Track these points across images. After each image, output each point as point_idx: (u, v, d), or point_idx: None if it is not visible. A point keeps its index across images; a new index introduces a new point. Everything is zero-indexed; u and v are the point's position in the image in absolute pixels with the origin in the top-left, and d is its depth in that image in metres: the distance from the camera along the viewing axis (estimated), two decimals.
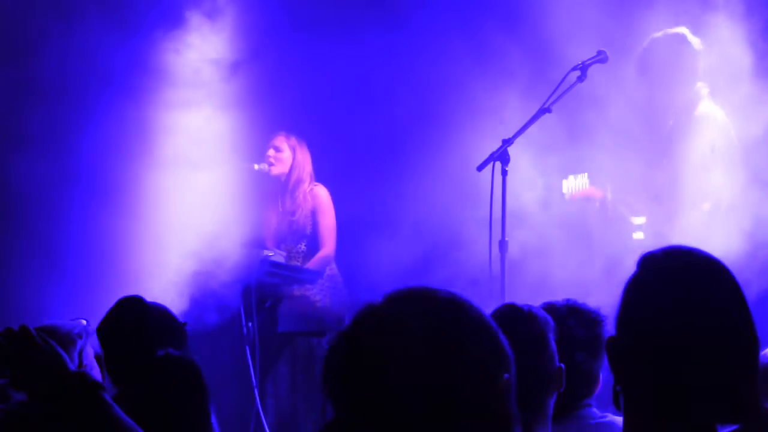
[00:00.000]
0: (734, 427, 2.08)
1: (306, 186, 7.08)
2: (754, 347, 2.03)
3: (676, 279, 2.04)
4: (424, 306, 1.70)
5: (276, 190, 7.14)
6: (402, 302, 1.71)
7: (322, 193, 7.09)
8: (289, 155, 7.07)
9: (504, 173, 5.53)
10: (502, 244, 5.51)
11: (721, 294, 2.03)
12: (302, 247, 7.00)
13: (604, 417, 3.15)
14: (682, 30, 5.95)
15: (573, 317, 3.22)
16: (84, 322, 3.93)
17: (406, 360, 1.63)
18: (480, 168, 5.61)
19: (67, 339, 3.88)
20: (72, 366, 2.56)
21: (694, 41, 5.92)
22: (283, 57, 7.12)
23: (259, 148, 7.18)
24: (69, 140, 6.94)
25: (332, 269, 6.97)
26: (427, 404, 1.62)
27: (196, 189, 6.81)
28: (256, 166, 7.03)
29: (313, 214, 7.03)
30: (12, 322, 2.63)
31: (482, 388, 1.66)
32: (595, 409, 3.20)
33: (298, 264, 6.91)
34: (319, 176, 7.21)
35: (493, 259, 5.50)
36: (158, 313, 3.78)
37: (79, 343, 3.91)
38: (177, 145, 6.89)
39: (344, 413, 1.67)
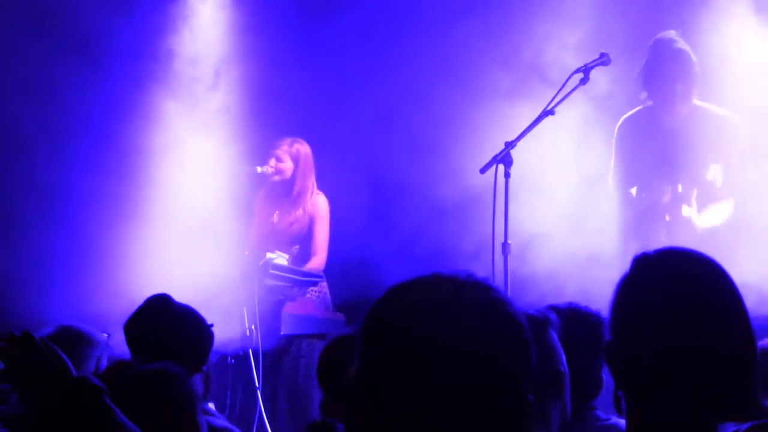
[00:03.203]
0: (736, 426, 2.08)
1: (308, 196, 7.07)
2: (751, 346, 2.03)
3: (669, 280, 2.04)
4: (485, 306, 1.62)
5: (275, 192, 7.14)
6: (459, 290, 1.63)
7: (322, 203, 7.10)
8: (290, 165, 7.06)
9: (507, 175, 5.53)
10: (505, 247, 5.50)
11: (715, 294, 2.03)
12: (294, 251, 7.00)
13: (608, 420, 3.15)
14: (674, 36, 6.05)
15: (574, 320, 3.21)
16: (105, 335, 3.96)
17: (437, 350, 1.57)
18: (483, 170, 5.60)
19: (90, 339, 3.89)
20: (75, 371, 2.56)
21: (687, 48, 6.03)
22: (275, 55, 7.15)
23: (261, 149, 7.19)
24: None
25: (323, 278, 7.00)
26: (448, 402, 1.57)
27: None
28: (258, 169, 7.03)
29: (311, 222, 7.04)
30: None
31: (509, 403, 1.61)
32: (599, 412, 3.20)
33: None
34: (318, 176, 7.21)
35: (497, 261, 5.49)
36: (185, 313, 3.76)
37: (101, 347, 3.92)
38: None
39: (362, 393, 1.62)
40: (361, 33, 6.99)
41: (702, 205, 6.02)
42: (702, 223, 5.97)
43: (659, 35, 6.11)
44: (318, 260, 7.00)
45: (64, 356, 2.53)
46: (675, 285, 2.03)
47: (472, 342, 1.58)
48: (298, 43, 7.28)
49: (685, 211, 5.98)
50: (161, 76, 7.19)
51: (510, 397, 1.60)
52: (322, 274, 6.84)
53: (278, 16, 7.30)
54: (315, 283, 6.78)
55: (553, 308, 3.21)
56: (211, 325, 3.82)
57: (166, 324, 3.69)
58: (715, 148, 5.98)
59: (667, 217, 6.08)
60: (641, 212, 6.07)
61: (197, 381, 3.69)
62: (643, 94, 6.17)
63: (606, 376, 3.16)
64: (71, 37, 6.95)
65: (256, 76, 7.27)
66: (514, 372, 1.61)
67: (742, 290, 2.07)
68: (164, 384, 2.93)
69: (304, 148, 7.10)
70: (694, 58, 6.01)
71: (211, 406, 6.18)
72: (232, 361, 6.55)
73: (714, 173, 6.00)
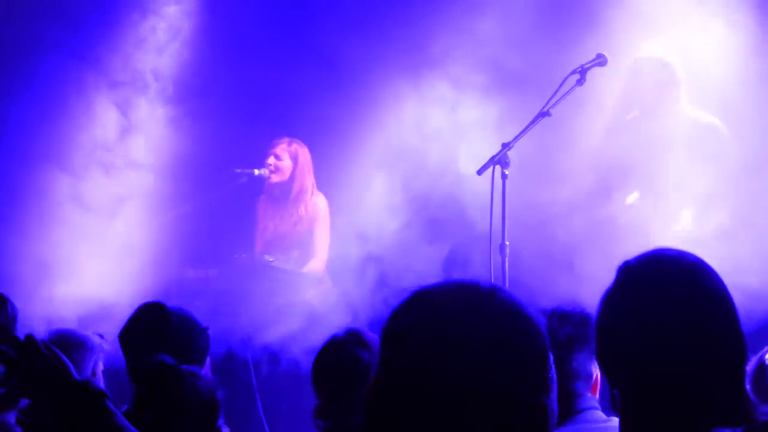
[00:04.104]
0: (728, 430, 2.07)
1: (308, 196, 7.07)
2: (739, 350, 2.03)
3: (650, 288, 2.04)
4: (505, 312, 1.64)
5: (274, 195, 7.14)
6: (479, 302, 1.64)
7: (321, 203, 7.10)
8: (289, 165, 7.07)
9: (504, 177, 5.54)
10: (502, 248, 5.51)
11: (698, 300, 2.02)
12: (295, 254, 7.01)
13: (609, 420, 3.16)
14: (662, 55, 6.15)
15: (560, 320, 3.22)
16: (98, 338, 3.96)
17: (455, 355, 1.58)
18: (480, 172, 5.61)
19: (84, 344, 3.90)
20: (77, 375, 2.57)
21: (676, 65, 6.13)
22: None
23: (256, 152, 7.20)
24: None
25: (326, 279, 6.99)
26: (465, 402, 1.58)
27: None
28: (256, 171, 7.04)
29: (311, 222, 7.04)
30: None
31: (530, 409, 1.62)
32: (600, 413, 3.21)
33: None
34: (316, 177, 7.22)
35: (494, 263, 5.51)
36: (180, 318, 3.74)
37: (96, 351, 3.92)
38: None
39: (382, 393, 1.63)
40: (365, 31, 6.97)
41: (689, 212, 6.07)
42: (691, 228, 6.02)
43: (637, 57, 6.18)
44: (318, 261, 6.99)
45: (67, 360, 2.54)
46: (657, 293, 2.03)
47: (492, 349, 1.59)
48: (273, 44, 7.27)
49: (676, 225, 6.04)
50: (128, 81, 7.22)
51: (530, 404, 1.61)
52: (323, 275, 6.84)
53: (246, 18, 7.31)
54: (315, 285, 6.79)
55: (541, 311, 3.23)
56: (207, 328, 3.81)
57: (162, 330, 3.67)
58: (703, 155, 6.01)
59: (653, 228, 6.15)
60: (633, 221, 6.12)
61: None
62: (630, 115, 6.25)
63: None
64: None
65: (236, 79, 7.27)
66: (535, 378, 1.63)
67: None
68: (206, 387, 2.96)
69: (302, 148, 7.11)
70: (676, 72, 6.11)
71: None
72: (231, 363, 6.55)
73: (700, 180, 6.05)
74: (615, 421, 3.09)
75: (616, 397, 2.07)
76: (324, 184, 7.22)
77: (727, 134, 6.07)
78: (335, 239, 7.05)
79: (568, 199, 6.21)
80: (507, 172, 5.54)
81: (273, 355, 6.69)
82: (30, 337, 2.51)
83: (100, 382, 4.06)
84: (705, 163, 5.98)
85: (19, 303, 3.72)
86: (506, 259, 5.51)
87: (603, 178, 6.18)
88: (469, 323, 1.60)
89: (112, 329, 5.76)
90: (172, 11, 7.34)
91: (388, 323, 1.66)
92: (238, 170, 7.06)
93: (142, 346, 3.65)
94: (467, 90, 6.69)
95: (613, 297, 2.07)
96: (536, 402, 1.62)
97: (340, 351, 3.66)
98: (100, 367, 4.03)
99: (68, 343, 3.94)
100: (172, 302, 3.85)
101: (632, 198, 6.18)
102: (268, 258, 6.65)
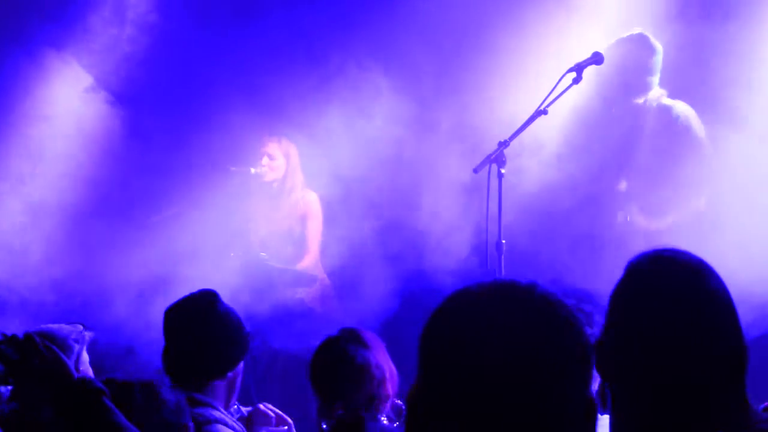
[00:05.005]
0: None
1: (299, 192, 7.10)
2: (739, 352, 2.04)
3: (652, 289, 2.05)
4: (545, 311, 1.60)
5: (269, 193, 7.15)
6: (521, 301, 1.61)
7: (313, 199, 7.14)
8: (283, 162, 7.11)
9: (500, 175, 5.54)
10: (498, 246, 5.52)
11: (698, 302, 2.03)
12: (289, 250, 7.02)
13: (600, 419, 3.16)
14: (643, 32, 6.25)
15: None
16: (81, 327, 3.92)
17: (497, 356, 1.55)
18: (476, 170, 5.61)
19: (64, 344, 3.86)
20: (75, 372, 2.58)
21: (655, 44, 6.24)
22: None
23: (249, 150, 7.21)
24: None
25: (321, 273, 6.99)
26: (511, 406, 1.54)
27: None
28: (253, 170, 7.05)
29: (303, 219, 7.07)
30: None
31: (576, 404, 1.58)
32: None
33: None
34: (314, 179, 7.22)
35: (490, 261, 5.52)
36: (228, 315, 3.71)
37: (77, 348, 3.89)
38: None
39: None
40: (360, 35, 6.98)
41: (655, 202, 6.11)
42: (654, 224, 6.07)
43: (616, 39, 6.25)
44: (310, 259, 7.01)
45: (65, 358, 2.55)
46: (659, 294, 2.04)
47: (538, 343, 1.56)
48: (261, 44, 7.27)
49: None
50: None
51: (579, 397, 1.58)
52: (318, 270, 6.84)
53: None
54: (309, 284, 6.79)
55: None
56: (249, 333, 3.78)
57: (206, 321, 3.65)
58: (673, 143, 6.10)
59: (619, 217, 6.18)
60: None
61: (221, 386, 3.66)
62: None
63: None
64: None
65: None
66: (581, 370, 1.59)
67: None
68: None
69: (292, 146, 7.15)
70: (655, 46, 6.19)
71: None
72: None
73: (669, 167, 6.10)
74: (604, 419, 3.12)
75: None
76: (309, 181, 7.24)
77: (700, 123, 6.14)
78: (331, 236, 7.07)
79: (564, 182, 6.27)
80: (503, 171, 5.54)
81: (269, 354, 6.69)
82: (29, 336, 2.51)
83: (88, 374, 4.03)
84: (680, 151, 6.02)
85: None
86: (502, 257, 5.52)
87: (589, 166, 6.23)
88: (512, 319, 1.57)
89: (110, 321, 5.83)
90: (151, 19, 7.36)
91: (427, 325, 1.62)
92: (234, 168, 7.07)
93: (181, 331, 3.66)
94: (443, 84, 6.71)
95: (622, 293, 2.08)
96: (585, 395, 1.58)
97: (334, 349, 3.65)
98: (85, 357, 3.99)
99: (51, 342, 3.91)
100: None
101: (624, 185, 6.22)
102: (263, 255, 6.65)
